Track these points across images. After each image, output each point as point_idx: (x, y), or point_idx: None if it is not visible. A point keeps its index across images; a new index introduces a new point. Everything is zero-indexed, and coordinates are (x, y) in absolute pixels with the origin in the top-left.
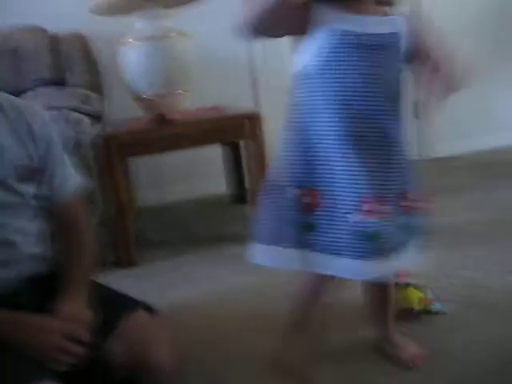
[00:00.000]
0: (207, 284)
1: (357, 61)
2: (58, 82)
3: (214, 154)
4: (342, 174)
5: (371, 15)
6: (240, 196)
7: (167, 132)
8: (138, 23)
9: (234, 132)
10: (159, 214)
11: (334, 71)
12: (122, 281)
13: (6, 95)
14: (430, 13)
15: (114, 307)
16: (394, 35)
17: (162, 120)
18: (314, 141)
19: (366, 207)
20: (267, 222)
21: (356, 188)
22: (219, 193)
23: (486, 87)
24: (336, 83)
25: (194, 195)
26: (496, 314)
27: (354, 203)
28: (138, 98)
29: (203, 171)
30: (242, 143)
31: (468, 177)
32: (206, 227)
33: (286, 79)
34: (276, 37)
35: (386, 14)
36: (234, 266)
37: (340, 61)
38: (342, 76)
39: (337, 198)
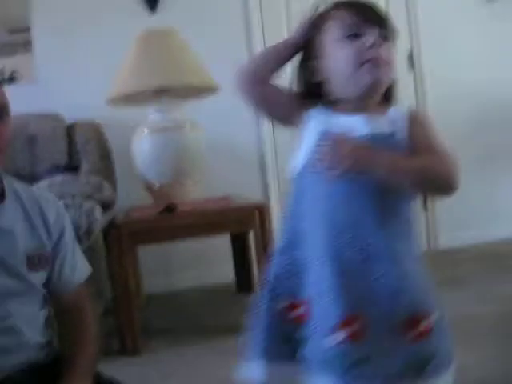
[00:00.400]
0: (211, 375)
1: None
2: (73, 169)
3: (222, 242)
4: (322, 287)
5: (367, 113)
6: (247, 285)
7: (177, 222)
8: (151, 114)
9: (243, 223)
10: (166, 302)
11: (316, 176)
12: (125, 369)
13: (22, 184)
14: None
15: None
16: (387, 136)
17: (172, 209)
18: (300, 248)
19: (342, 329)
20: (257, 336)
21: (334, 307)
22: (227, 281)
23: (490, 179)
24: (318, 189)
25: (201, 283)
26: None
27: (331, 324)
28: (149, 187)
29: (211, 259)
30: (250, 232)
31: (473, 269)
32: (212, 317)
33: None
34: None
35: (385, 112)
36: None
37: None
38: (323, 182)
39: (318, 315)
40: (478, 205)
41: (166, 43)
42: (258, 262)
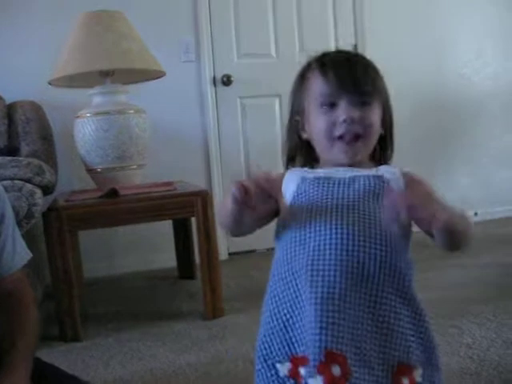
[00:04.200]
0: (150, 361)
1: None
2: (12, 151)
3: (164, 228)
4: (307, 320)
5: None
6: (189, 271)
7: (119, 207)
8: (94, 97)
9: (185, 209)
10: (106, 287)
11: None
12: (66, 355)
13: None
14: None
15: None
16: (373, 176)
17: (113, 194)
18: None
19: (323, 369)
20: None
21: (315, 340)
22: (169, 267)
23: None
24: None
25: (143, 268)
26: None
27: (313, 362)
28: (91, 171)
29: (153, 244)
30: (192, 218)
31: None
32: (154, 302)
33: (239, 155)
34: (256, 228)
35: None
36: (178, 343)
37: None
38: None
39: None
40: None
41: (111, 25)
42: (200, 249)
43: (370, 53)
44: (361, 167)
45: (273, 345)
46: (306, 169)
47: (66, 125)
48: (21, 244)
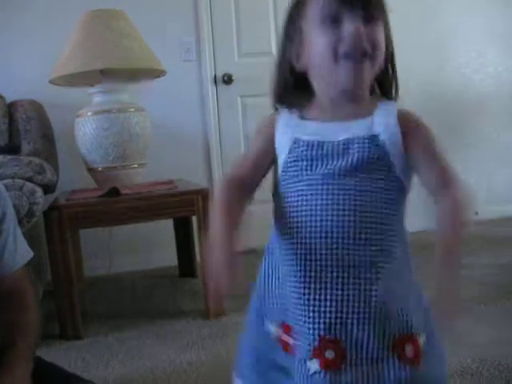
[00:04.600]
0: (151, 360)
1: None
2: (13, 149)
3: (165, 227)
4: (297, 308)
5: (345, 120)
6: (189, 269)
7: (119, 206)
8: (95, 96)
9: (185, 208)
10: (107, 285)
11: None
12: (66, 353)
13: None
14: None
15: None
16: (367, 138)
17: (114, 193)
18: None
19: (318, 354)
20: (246, 357)
21: (308, 328)
22: (169, 266)
23: None
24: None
25: (143, 267)
26: None
27: (307, 347)
28: (92, 170)
29: (154, 243)
30: (193, 217)
31: None
32: (154, 301)
33: (239, 154)
34: None
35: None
36: (179, 342)
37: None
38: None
39: (299, 338)
40: None
41: (111, 24)
42: (201, 247)
43: None
44: (360, 106)
45: (268, 305)
46: (295, 116)
47: (67, 123)
48: (22, 243)
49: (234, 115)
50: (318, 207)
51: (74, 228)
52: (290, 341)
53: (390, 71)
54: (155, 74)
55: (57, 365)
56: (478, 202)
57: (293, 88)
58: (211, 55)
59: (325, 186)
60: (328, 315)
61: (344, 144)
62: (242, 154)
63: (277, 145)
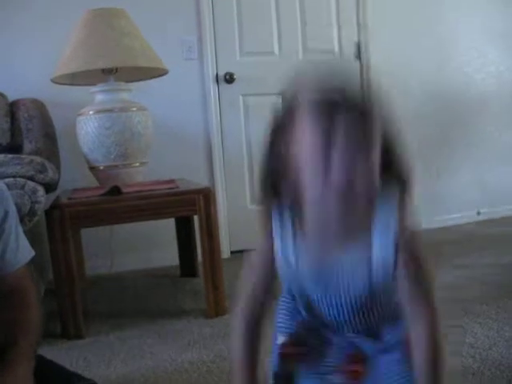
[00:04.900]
0: (152, 359)
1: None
2: (15, 148)
3: (167, 226)
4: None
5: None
6: (191, 269)
7: (121, 205)
8: (97, 95)
9: (187, 207)
10: (108, 285)
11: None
12: (67, 352)
13: None
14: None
15: (57, 383)
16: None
17: (116, 192)
18: None
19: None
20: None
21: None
22: (171, 265)
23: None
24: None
25: (145, 266)
26: None
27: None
28: (94, 169)
29: (155, 242)
30: (195, 216)
31: None
32: (155, 300)
33: (241, 153)
34: None
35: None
36: (180, 341)
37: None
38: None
39: None
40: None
41: (113, 23)
42: (202, 247)
43: (373, 51)
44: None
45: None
46: (289, 234)
47: (69, 122)
48: (24, 242)
49: (236, 114)
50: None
51: (76, 227)
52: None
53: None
54: (157, 72)
55: (58, 363)
56: (479, 201)
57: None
58: (213, 54)
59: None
60: None
61: (337, 277)
62: (253, 254)
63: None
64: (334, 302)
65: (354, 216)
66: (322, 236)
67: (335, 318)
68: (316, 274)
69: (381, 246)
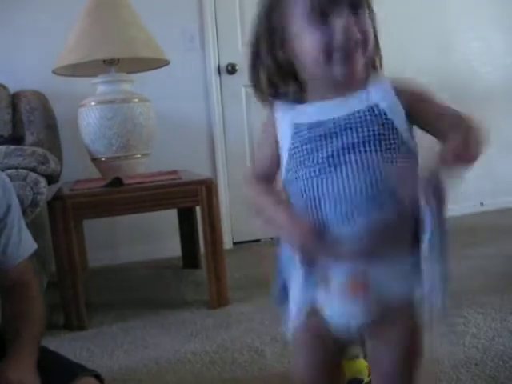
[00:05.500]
0: (155, 350)
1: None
2: (17, 140)
3: (169, 217)
4: None
5: (340, 96)
6: (193, 260)
7: (123, 196)
8: (99, 86)
9: (189, 198)
10: (111, 276)
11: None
12: (70, 343)
13: None
14: None
15: (61, 374)
16: (368, 109)
17: (118, 183)
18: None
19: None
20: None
21: None
22: (173, 256)
23: None
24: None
25: (147, 257)
26: None
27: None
28: (95, 160)
29: (158, 233)
30: (197, 207)
31: None
32: (158, 291)
33: (243, 144)
34: None
35: (362, 86)
36: (183, 332)
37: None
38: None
39: None
40: None
41: (115, 13)
42: (205, 238)
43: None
44: (355, 84)
45: None
46: (290, 103)
47: (71, 114)
48: (26, 235)
49: (238, 105)
50: (330, 189)
51: (78, 218)
52: None
53: (376, 49)
54: (159, 63)
55: (61, 355)
56: (483, 193)
57: (278, 76)
58: (215, 45)
59: (332, 168)
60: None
61: (345, 119)
62: (254, 153)
63: (279, 136)
64: (341, 190)
65: (354, 71)
66: (322, 93)
67: (342, 220)
68: (319, 132)
69: (382, 94)
